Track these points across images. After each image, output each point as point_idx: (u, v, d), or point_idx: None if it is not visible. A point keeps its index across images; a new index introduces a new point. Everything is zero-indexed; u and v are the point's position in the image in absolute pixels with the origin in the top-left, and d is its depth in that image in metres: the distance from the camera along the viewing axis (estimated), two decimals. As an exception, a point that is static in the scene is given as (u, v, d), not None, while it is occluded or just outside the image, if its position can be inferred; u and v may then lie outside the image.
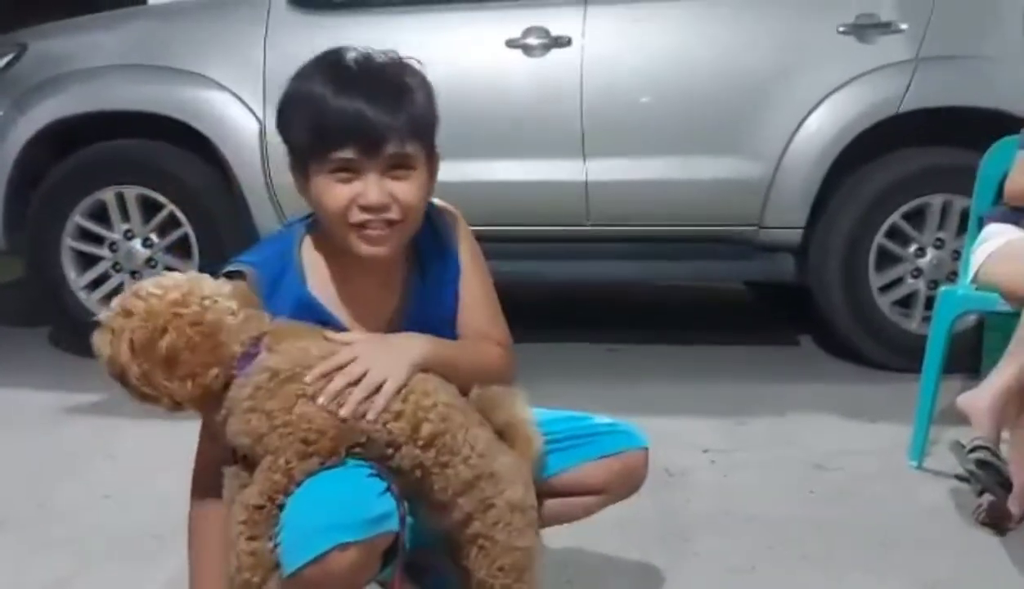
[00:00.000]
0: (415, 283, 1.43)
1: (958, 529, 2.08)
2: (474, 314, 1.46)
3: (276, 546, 1.25)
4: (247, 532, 1.26)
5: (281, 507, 1.26)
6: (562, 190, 3.23)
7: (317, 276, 1.40)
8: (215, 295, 1.28)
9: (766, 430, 2.70)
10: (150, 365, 1.24)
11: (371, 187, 1.30)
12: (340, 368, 1.28)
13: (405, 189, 1.32)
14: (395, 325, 1.42)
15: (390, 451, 1.30)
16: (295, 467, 1.25)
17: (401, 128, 1.28)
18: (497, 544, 1.31)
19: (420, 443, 1.29)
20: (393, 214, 1.32)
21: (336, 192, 1.31)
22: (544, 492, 1.44)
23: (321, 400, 1.26)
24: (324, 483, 1.26)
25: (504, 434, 1.37)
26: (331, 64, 1.32)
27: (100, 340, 1.27)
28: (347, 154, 1.29)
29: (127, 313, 1.25)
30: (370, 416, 1.27)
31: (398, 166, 1.31)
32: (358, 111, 1.27)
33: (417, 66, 1.36)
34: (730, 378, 3.16)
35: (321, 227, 1.40)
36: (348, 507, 1.23)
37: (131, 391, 1.28)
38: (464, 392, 1.39)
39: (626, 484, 1.53)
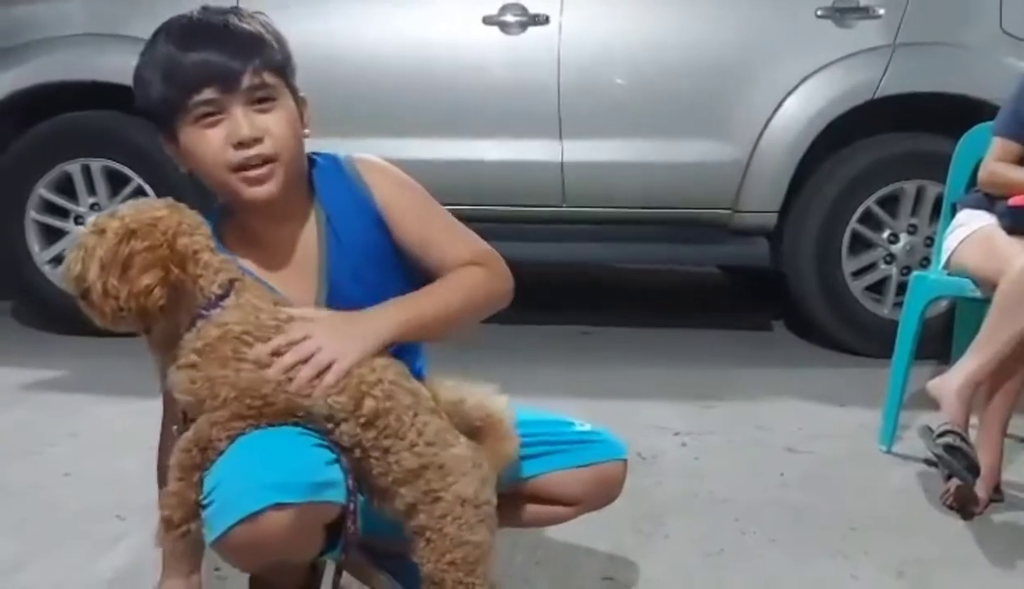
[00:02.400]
0: (329, 234, 1.39)
1: (926, 513, 2.10)
2: (432, 247, 1.41)
3: (205, 507, 1.22)
4: (176, 473, 1.25)
5: (206, 452, 1.23)
6: (538, 171, 3.21)
7: (239, 250, 1.37)
8: (194, 225, 1.27)
9: (738, 413, 2.70)
10: (112, 274, 1.21)
11: (239, 121, 1.29)
12: (292, 344, 1.26)
13: (273, 120, 1.31)
14: (323, 281, 1.39)
15: (330, 426, 1.27)
16: (221, 423, 1.23)
17: (255, 63, 1.29)
18: (446, 537, 1.27)
19: (362, 420, 1.26)
20: (267, 148, 1.30)
21: (207, 138, 1.29)
22: (517, 495, 1.42)
23: (271, 372, 1.24)
24: (266, 442, 1.23)
25: (479, 431, 1.34)
26: (175, 26, 1.33)
27: (71, 256, 1.24)
28: (207, 95, 1.28)
29: (100, 231, 1.23)
30: (315, 395, 1.25)
31: (261, 99, 1.31)
32: (208, 56, 1.28)
33: (262, 16, 1.37)
34: (703, 361, 3.16)
35: (226, 212, 1.39)
36: (290, 468, 1.20)
37: (92, 310, 1.24)
38: (450, 332, 1.36)
39: (601, 496, 1.51)
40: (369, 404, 1.26)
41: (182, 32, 1.31)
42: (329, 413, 1.26)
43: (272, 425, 1.25)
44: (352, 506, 1.27)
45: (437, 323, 1.35)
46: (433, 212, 1.44)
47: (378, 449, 1.27)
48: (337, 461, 1.26)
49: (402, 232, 1.40)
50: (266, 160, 1.30)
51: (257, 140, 1.29)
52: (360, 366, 1.27)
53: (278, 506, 1.17)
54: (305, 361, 1.25)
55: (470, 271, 1.39)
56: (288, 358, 1.25)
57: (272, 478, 1.18)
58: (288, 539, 1.21)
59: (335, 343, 1.26)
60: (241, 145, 1.29)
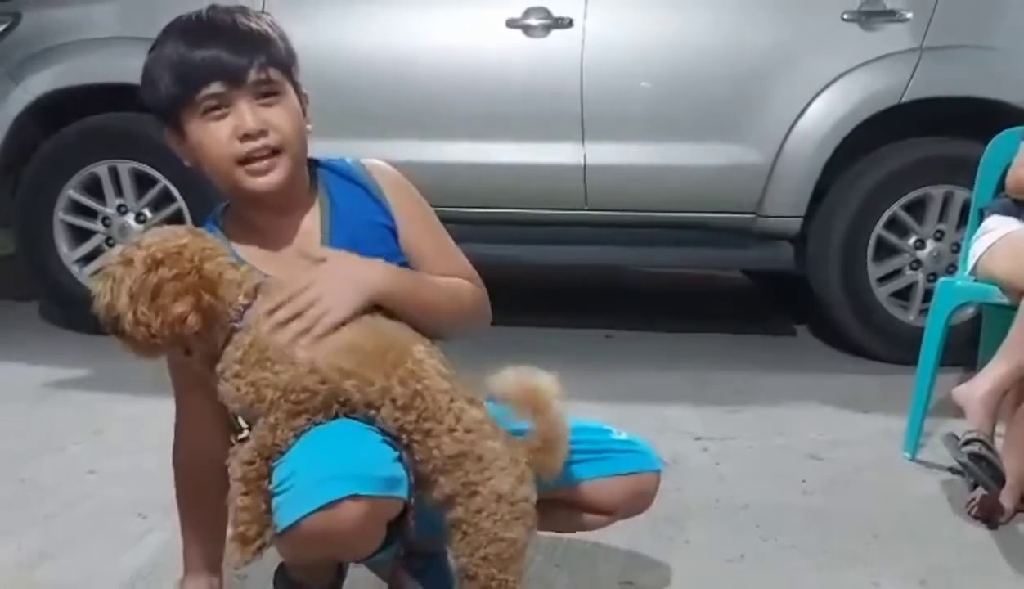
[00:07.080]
0: (332, 222, 1.42)
1: (950, 522, 2.07)
2: (429, 257, 1.45)
3: (274, 496, 1.24)
4: (242, 488, 1.26)
5: (269, 459, 1.25)
6: (560, 174, 3.20)
7: (240, 239, 1.40)
8: (216, 248, 1.31)
9: (760, 419, 2.68)
10: (142, 305, 1.24)
11: (245, 114, 1.33)
12: (291, 298, 1.29)
13: (277, 114, 1.35)
14: None
15: (371, 413, 1.28)
16: (281, 425, 1.25)
17: (261, 59, 1.34)
18: (481, 532, 1.28)
19: (399, 402, 1.27)
20: (272, 141, 1.34)
21: (213, 131, 1.34)
22: (549, 499, 1.42)
23: (264, 328, 1.27)
24: (338, 435, 1.25)
25: (536, 429, 1.34)
26: (181, 24, 1.37)
27: (100, 286, 1.27)
28: (214, 89, 1.32)
29: (128, 261, 1.26)
30: (302, 345, 1.26)
31: (266, 93, 1.35)
32: (216, 53, 1.33)
33: (267, 16, 1.42)
34: (725, 366, 3.14)
35: (230, 209, 1.42)
36: (365, 461, 1.22)
37: (124, 339, 1.27)
38: (435, 323, 1.38)
39: (635, 506, 1.53)
40: (398, 389, 1.27)
41: (191, 30, 1.35)
42: (366, 399, 1.27)
43: (325, 412, 1.27)
44: (412, 502, 1.29)
45: (423, 304, 1.38)
46: (434, 222, 1.49)
47: (420, 432, 1.28)
48: (400, 458, 1.28)
49: (405, 235, 1.44)
50: (271, 152, 1.34)
51: (262, 133, 1.33)
52: (393, 346, 1.29)
53: (355, 497, 1.19)
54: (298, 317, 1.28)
55: (463, 283, 1.46)
56: (281, 314, 1.28)
57: (349, 470, 1.20)
58: (358, 531, 1.23)
59: (332, 293, 1.29)
60: (247, 138, 1.33)
